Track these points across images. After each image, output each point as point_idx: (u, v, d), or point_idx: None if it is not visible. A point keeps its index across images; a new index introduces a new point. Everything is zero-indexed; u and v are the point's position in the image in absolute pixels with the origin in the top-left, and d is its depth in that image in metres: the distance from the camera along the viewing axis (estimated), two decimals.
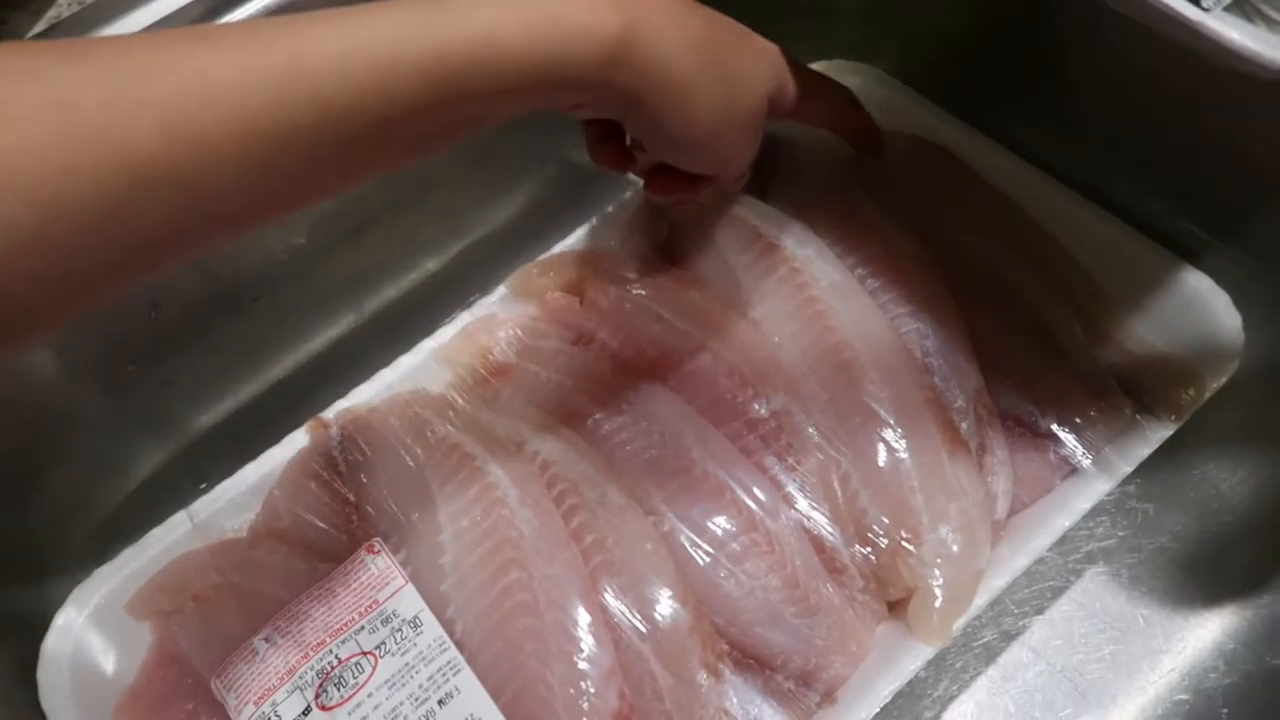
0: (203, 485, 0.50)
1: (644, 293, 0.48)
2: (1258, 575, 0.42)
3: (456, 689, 0.39)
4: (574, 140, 0.55)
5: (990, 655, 0.43)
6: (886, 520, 0.40)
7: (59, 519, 0.47)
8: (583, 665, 0.38)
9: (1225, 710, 0.40)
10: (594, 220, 0.52)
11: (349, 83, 0.25)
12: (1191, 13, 0.27)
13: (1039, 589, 0.44)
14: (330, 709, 0.39)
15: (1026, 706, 0.41)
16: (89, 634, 0.43)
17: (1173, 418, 0.42)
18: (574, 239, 0.51)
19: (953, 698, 0.42)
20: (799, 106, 0.40)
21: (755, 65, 0.36)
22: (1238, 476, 0.44)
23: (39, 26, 0.43)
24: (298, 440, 0.46)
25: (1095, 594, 0.43)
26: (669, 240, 0.51)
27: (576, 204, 0.56)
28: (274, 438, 0.47)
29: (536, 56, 0.28)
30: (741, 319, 0.46)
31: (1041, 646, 0.43)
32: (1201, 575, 0.43)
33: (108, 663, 0.43)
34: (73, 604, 0.43)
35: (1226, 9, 0.28)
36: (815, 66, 0.55)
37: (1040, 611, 0.43)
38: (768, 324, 0.46)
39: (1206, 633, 0.42)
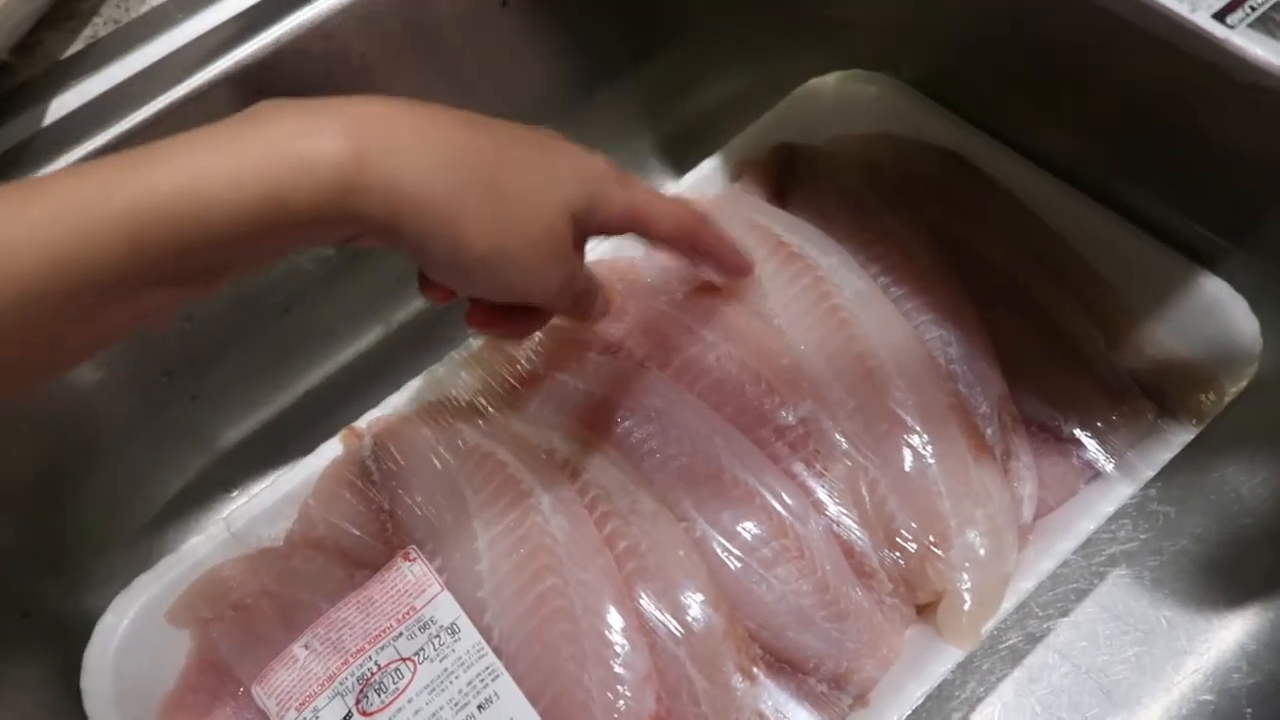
0: (234, 494, 0.51)
1: (670, 302, 0.49)
2: (1273, 580, 0.43)
3: (496, 694, 0.39)
4: (608, 148, 0.57)
5: (1016, 657, 0.43)
6: (914, 525, 0.41)
7: (98, 528, 0.48)
8: (619, 669, 0.39)
9: (1250, 710, 0.41)
10: None
11: (43, 254, 0.24)
12: (1217, 29, 0.28)
13: (1063, 591, 0.44)
14: (371, 714, 0.40)
15: (1053, 707, 0.42)
16: (130, 641, 0.43)
17: (1193, 422, 0.43)
18: (600, 249, 0.52)
19: (980, 700, 0.43)
20: (630, 225, 0.37)
21: (549, 181, 0.33)
22: (1258, 479, 0.45)
23: (76, 46, 0.44)
24: (331, 449, 0.47)
25: (1118, 596, 0.44)
26: None
27: None
28: (304, 448, 0.48)
29: (248, 199, 0.26)
30: (767, 327, 0.47)
31: (1066, 648, 0.43)
32: (1223, 577, 0.44)
33: (149, 669, 0.43)
34: (114, 612, 0.44)
35: (1250, 25, 0.28)
36: (833, 77, 0.56)
37: (1065, 614, 0.44)
38: (792, 332, 0.47)
39: (1229, 634, 0.43)
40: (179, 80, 0.42)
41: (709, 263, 0.44)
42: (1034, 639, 0.43)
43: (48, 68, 0.43)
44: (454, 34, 0.49)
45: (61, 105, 0.42)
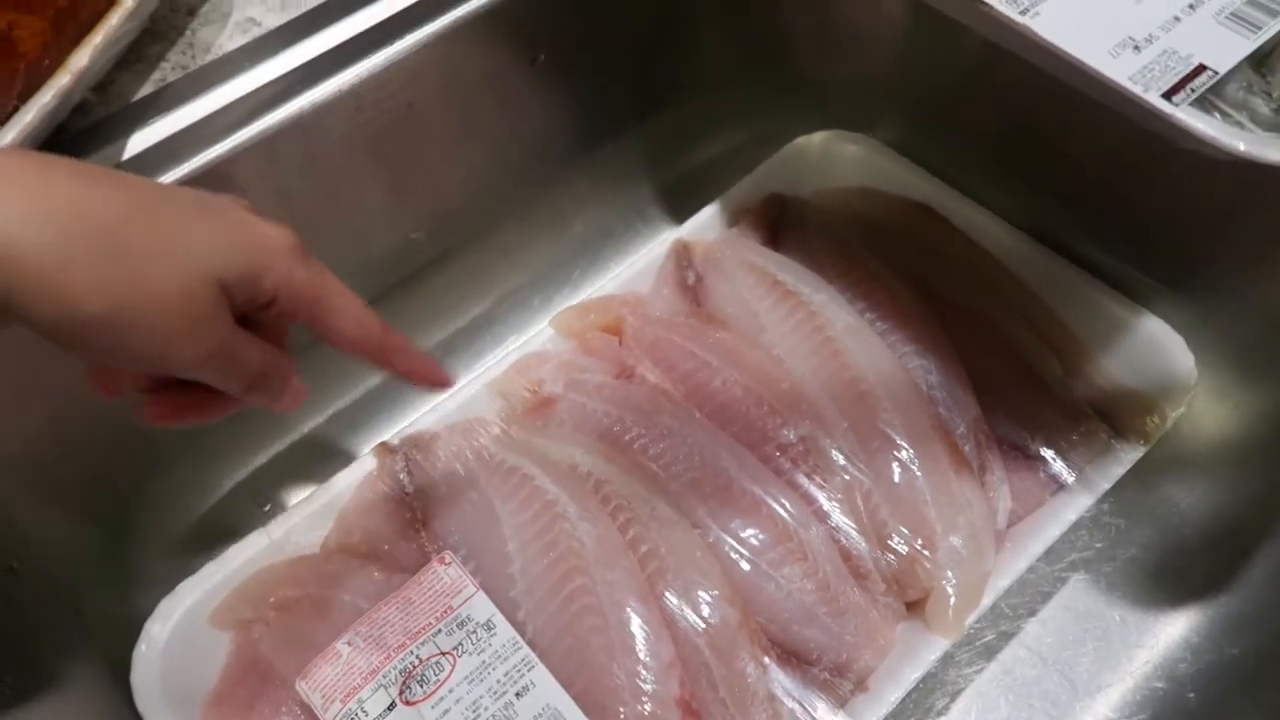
0: (267, 508, 0.54)
1: (679, 332, 0.54)
2: (1215, 579, 0.49)
3: (532, 683, 0.43)
4: (615, 195, 0.62)
5: (990, 652, 0.48)
6: (904, 531, 0.46)
7: (143, 536, 0.50)
8: (646, 658, 0.43)
9: (1193, 695, 0.46)
10: (625, 268, 0.58)
11: None
12: (1166, 107, 0.34)
13: (1030, 594, 0.50)
14: (414, 704, 0.43)
15: (1024, 696, 0.47)
16: (176, 641, 0.46)
17: (1141, 442, 0.49)
18: (607, 284, 0.57)
19: (960, 690, 0.47)
20: (307, 309, 0.34)
21: (196, 244, 0.30)
22: (1195, 495, 0.51)
23: (145, 89, 0.48)
24: (365, 464, 0.51)
25: (1078, 598, 0.50)
26: (695, 287, 0.57)
27: (607, 253, 0.62)
28: (332, 466, 0.51)
29: None
30: (766, 356, 0.52)
31: (1034, 644, 0.49)
32: (1168, 580, 0.49)
33: (195, 668, 0.46)
34: (160, 613, 0.46)
35: (1191, 104, 0.35)
36: (818, 136, 0.63)
37: (1033, 613, 0.49)
38: (790, 361, 0.52)
39: (1174, 629, 0.48)
40: (245, 124, 0.46)
41: (398, 372, 0.39)
42: (1006, 636, 0.49)
43: (121, 107, 0.47)
44: (484, 87, 0.54)
45: (138, 142, 0.46)
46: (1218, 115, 0.36)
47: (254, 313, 0.33)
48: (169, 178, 0.45)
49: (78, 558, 0.47)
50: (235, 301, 0.32)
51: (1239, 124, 0.35)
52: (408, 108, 0.50)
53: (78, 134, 0.45)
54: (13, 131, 0.38)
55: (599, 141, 0.61)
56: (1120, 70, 0.36)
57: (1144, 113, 0.35)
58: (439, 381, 0.41)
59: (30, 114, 0.39)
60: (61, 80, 0.40)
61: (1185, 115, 0.34)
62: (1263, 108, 0.36)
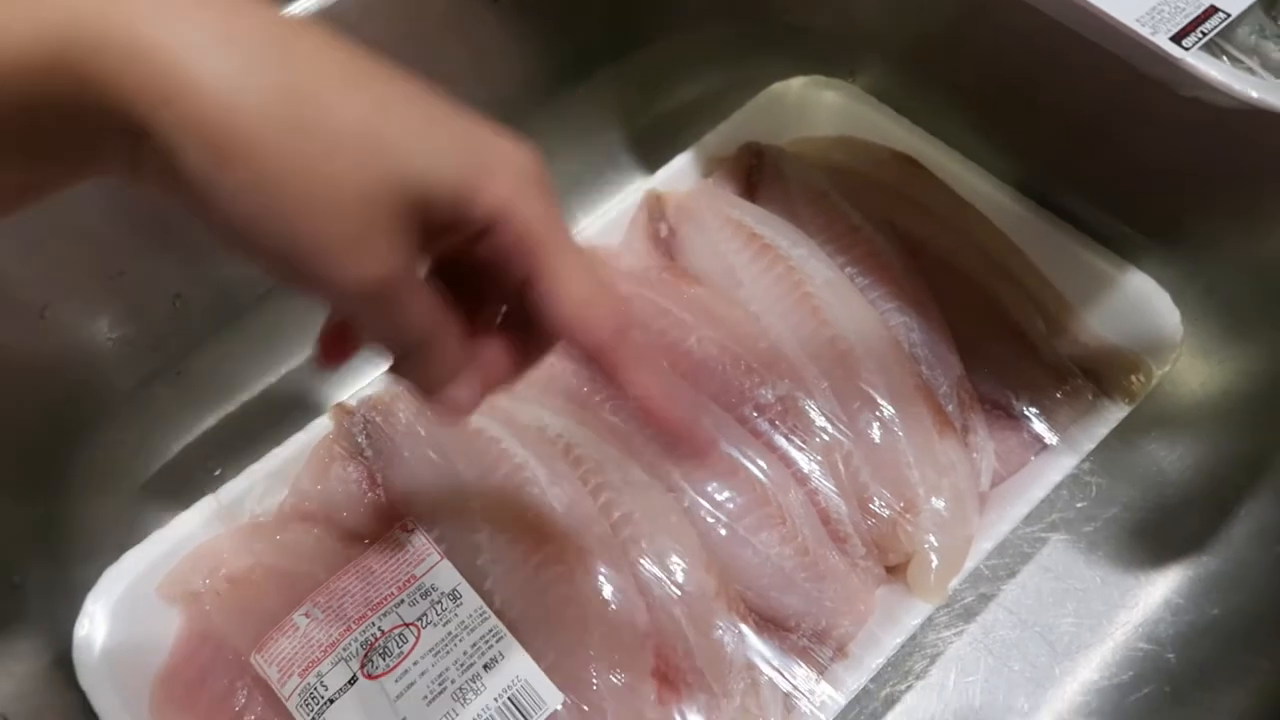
0: (217, 473, 0.51)
1: (651, 287, 0.51)
2: (1196, 539, 0.48)
3: (501, 654, 0.41)
4: (584, 142, 0.59)
5: (970, 615, 0.47)
6: (886, 493, 0.45)
7: (84, 503, 0.47)
8: (619, 629, 0.41)
9: (1173, 655, 0.46)
10: (595, 219, 0.55)
11: None
12: (1175, 51, 0.32)
13: (1010, 556, 0.49)
14: (376, 677, 0.41)
15: (1004, 658, 0.46)
16: (121, 614, 0.43)
17: (1126, 400, 0.48)
18: (579, 235, 0.54)
19: (939, 653, 0.46)
20: (524, 258, 0.25)
21: (396, 129, 0.23)
22: (1176, 454, 0.50)
23: None
24: (321, 426, 0.48)
25: (1059, 559, 0.49)
26: (668, 240, 0.55)
27: (575, 204, 0.59)
28: (285, 429, 0.48)
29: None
30: (744, 313, 0.50)
31: (1015, 606, 0.48)
32: (1149, 540, 0.49)
33: (141, 643, 0.43)
34: (104, 585, 0.44)
35: (1201, 48, 0.33)
36: (796, 82, 0.60)
37: (1013, 575, 0.48)
38: (767, 318, 0.50)
39: (1155, 590, 0.48)
40: None
41: (633, 395, 0.28)
42: (986, 598, 0.48)
43: None
44: (445, 25, 0.50)
45: None
46: (1226, 60, 0.34)
47: (455, 252, 0.26)
48: None
49: (11, 527, 0.44)
50: (433, 222, 0.24)
51: (1249, 70, 0.33)
52: (362, 45, 0.46)
53: None
54: None
55: (566, 85, 0.58)
56: (1127, 11, 0.34)
57: (1150, 57, 0.33)
58: (696, 448, 0.30)
59: None
60: None
61: (1195, 60, 0.32)
62: (1275, 53, 0.34)
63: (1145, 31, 0.32)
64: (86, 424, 0.47)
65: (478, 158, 0.24)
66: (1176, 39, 0.32)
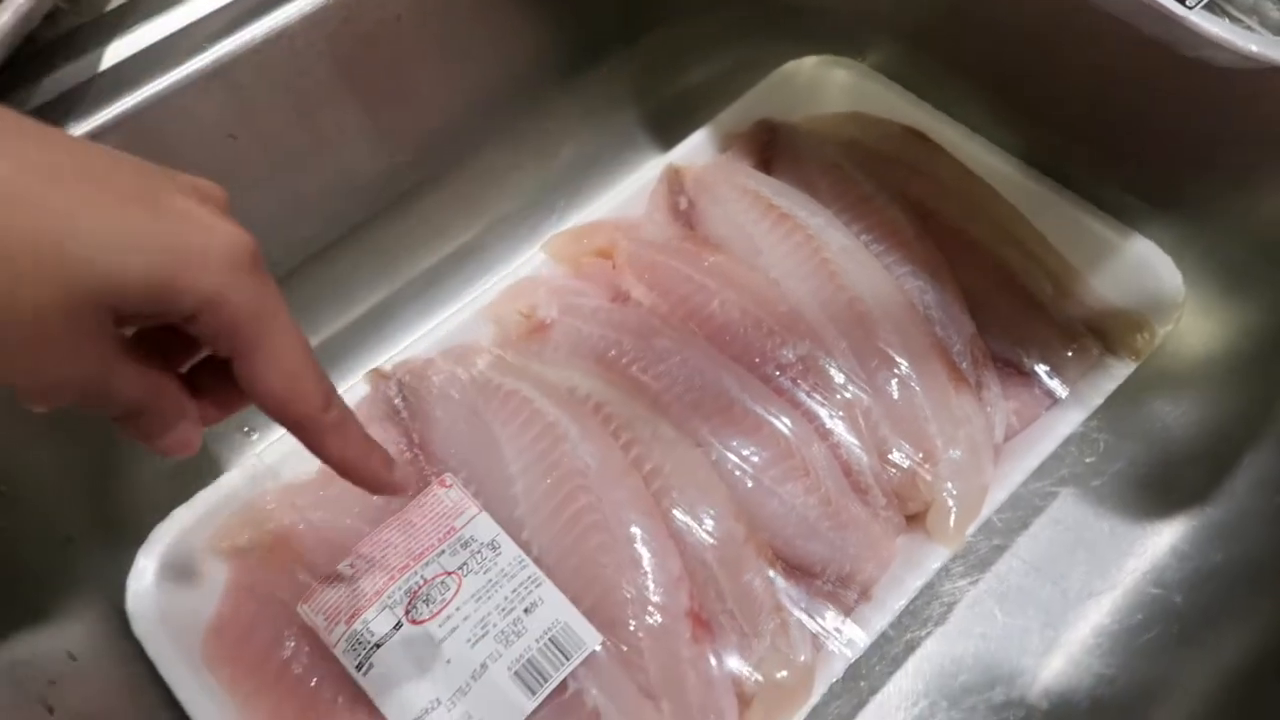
0: (253, 438, 0.53)
1: (674, 255, 0.53)
2: (1200, 491, 0.50)
3: (540, 599, 0.43)
4: (602, 122, 0.61)
5: (984, 564, 0.49)
6: (905, 445, 0.47)
7: (131, 464, 0.49)
8: (654, 572, 0.43)
9: (1180, 599, 0.48)
10: (616, 194, 0.57)
11: None
12: (1180, 9, 0.34)
13: (1023, 509, 0.51)
14: (421, 622, 0.43)
15: (1019, 605, 0.48)
16: (170, 569, 0.45)
17: (1132, 358, 0.50)
18: (599, 209, 0.56)
19: (957, 601, 0.48)
20: (234, 345, 0.26)
21: (90, 234, 0.23)
22: (1180, 410, 0.53)
23: (114, 1, 0.46)
24: (358, 390, 0.50)
25: (1069, 511, 0.51)
26: (687, 212, 0.57)
27: (594, 180, 0.61)
28: None
29: None
30: (764, 278, 0.52)
31: (1028, 556, 0.50)
32: (1155, 492, 0.51)
33: (190, 595, 0.45)
34: (154, 541, 0.45)
35: (1204, 7, 0.35)
36: (807, 61, 0.62)
37: (1025, 527, 0.50)
38: (787, 283, 0.52)
39: (1162, 538, 0.50)
40: (229, 34, 0.45)
41: (331, 460, 0.32)
42: (999, 549, 0.50)
43: (94, 17, 0.45)
44: (469, 7, 0.52)
45: (113, 53, 0.44)
46: (1227, 20, 0.36)
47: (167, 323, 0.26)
48: (148, 91, 0.43)
49: (66, 484, 0.46)
50: (130, 313, 0.24)
51: (1249, 28, 0.35)
52: (396, 20, 0.48)
53: (49, 44, 0.43)
54: None
55: (587, 65, 0.60)
56: None
57: (1157, 18, 0.35)
58: (385, 487, 0.33)
59: (6, 14, 0.37)
60: None
61: (1198, 19, 0.34)
62: (1273, 11, 0.36)
63: None
64: None
65: (178, 252, 0.24)
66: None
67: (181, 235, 0.25)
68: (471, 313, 0.53)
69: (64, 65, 0.43)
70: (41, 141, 0.24)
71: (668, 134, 0.62)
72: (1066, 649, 0.47)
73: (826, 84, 0.62)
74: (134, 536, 0.45)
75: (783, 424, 0.47)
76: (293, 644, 0.44)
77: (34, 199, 0.22)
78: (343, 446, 0.31)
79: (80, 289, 0.23)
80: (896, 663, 0.47)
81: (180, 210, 0.25)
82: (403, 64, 0.51)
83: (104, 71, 0.43)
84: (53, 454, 0.45)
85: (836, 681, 0.42)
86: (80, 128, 0.42)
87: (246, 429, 0.53)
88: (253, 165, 0.49)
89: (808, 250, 0.52)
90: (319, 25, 0.46)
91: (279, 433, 0.48)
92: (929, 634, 0.48)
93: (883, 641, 0.47)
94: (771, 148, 0.59)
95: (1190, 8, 0.34)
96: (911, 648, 0.48)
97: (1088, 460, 0.52)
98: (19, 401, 0.25)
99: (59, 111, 0.42)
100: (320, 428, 0.30)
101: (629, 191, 0.57)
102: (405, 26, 0.49)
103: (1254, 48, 0.34)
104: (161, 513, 0.46)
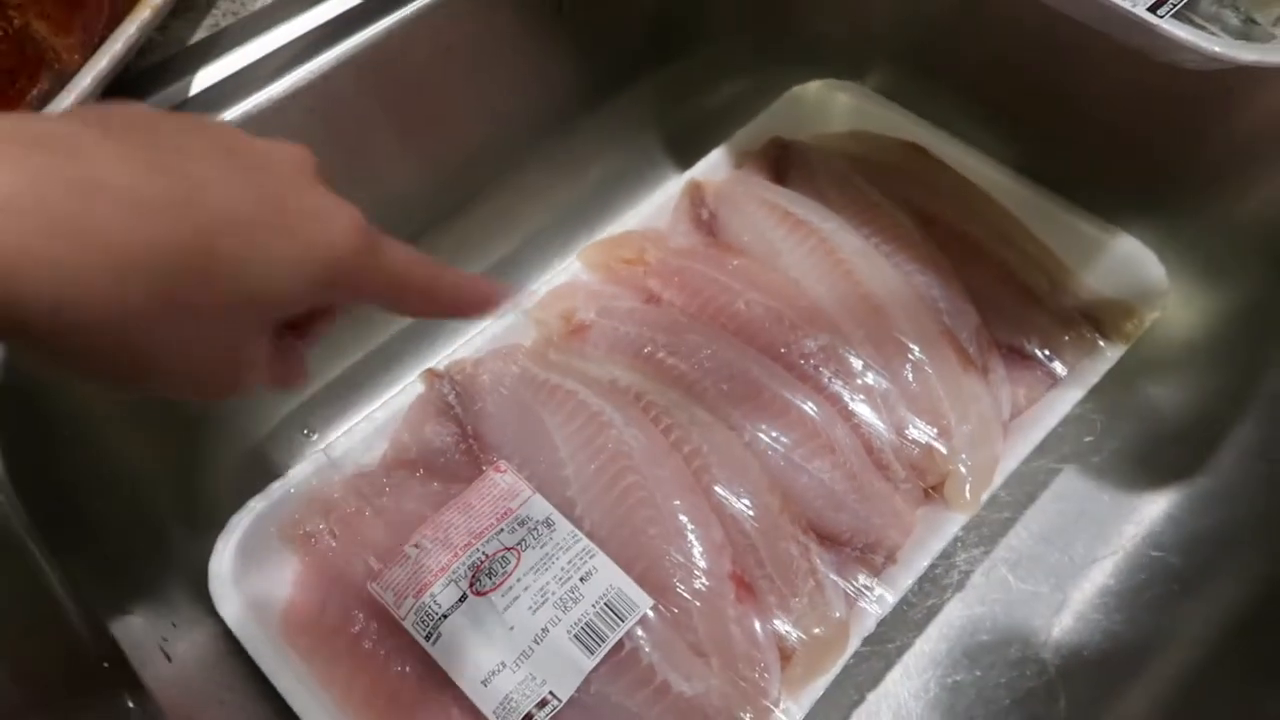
0: (313, 438, 0.57)
1: (700, 260, 0.58)
2: (1189, 464, 0.55)
3: (594, 568, 0.47)
4: (626, 143, 0.66)
5: (996, 536, 0.54)
6: (921, 423, 0.51)
7: (206, 459, 0.53)
8: (699, 540, 0.47)
9: (1177, 560, 0.52)
10: (641, 208, 0.62)
11: None
12: (1152, 18, 0.40)
13: (1028, 485, 0.55)
14: (485, 594, 0.47)
15: (1029, 570, 0.52)
16: (247, 554, 0.48)
17: (1123, 341, 0.55)
18: (627, 222, 0.61)
19: (972, 569, 0.52)
20: (383, 297, 0.30)
21: (251, 281, 0.25)
22: (1168, 391, 0.57)
23: (200, 34, 0.50)
24: (414, 389, 0.54)
25: (1070, 486, 0.55)
26: (709, 222, 0.61)
27: (620, 197, 0.66)
28: (376, 397, 0.54)
29: None
30: (784, 278, 0.57)
31: (1034, 527, 0.54)
32: (1149, 466, 0.55)
33: (266, 577, 0.48)
34: (231, 529, 0.49)
35: (1174, 15, 0.40)
36: (813, 85, 0.68)
37: (1032, 502, 0.54)
38: (805, 283, 0.57)
39: (1157, 506, 0.54)
40: (300, 63, 0.49)
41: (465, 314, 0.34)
42: (1010, 522, 0.54)
43: (178, 50, 0.49)
44: (515, 32, 0.57)
45: (199, 81, 0.48)
46: (1192, 27, 0.41)
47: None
48: (227, 116, 0.48)
49: (156, 475, 0.50)
50: (292, 314, 0.27)
51: (1213, 34, 0.41)
52: (447, 51, 0.53)
53: (141, 74, 0.48)
54: (105, 59, 0.40)
55: (614, 89, 0.65)
56: None
57: (1131, 26, 0.41)
58: (496, 298, 0.34)
59: (118, 44, 0.41)
60: (142, 14, 0.42)
61: (1169, 25, 0.39)
62: (1232, 19, 0.41)
63: (1126, 4, 0.40)
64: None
65: (321, 260, 0.26)
66: (1153, 9, 0.39)
67: (319, 240, 0.27)
68: (515, 316, 0.57)
69: (155, 92, 0.47)
70: (188, 193, 0.25)
71: (687, 153, 0.67)
72: (1075, 608, 0.51)
73: (831, 105, 0.67)
74: (215, 524, 0.49)
75: (808, 407, 0.51)
76: (363, 619, 0.48)
77: (210, 260, 0.24)
78: (480, 305, 0.34)
79: (258, 319, 0.26)
80: (920, 626, 0.51)
81: (308, 212, 0.27)
82: (449, 91, 0.56)
83: (192, 97, 0.48)
84: (143, 449, 0.49)
85: (868, 642, 0.46)
86: None
87: (306, 431, 0.57)
88: None
89: (823, 252, 0.57)
90: (376, 58, 0.51)
91: (340, 430, 0.52)
92: (949, 599, 0.52)
93: (907, 607, 0.51)
94: (784, 163, 0.64)
95: (1161, 17, 0.40)
96: (934, 612, 0.51)
97: (1086, 439, 0.56)
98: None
99: None
100: (464, 309, 0.33)
101: (654, 206, 0.62)
102: (455, 56, 0.54)
103: (1218, 49, 0.39)
104: (238, 503, 0.49)
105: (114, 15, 0.41)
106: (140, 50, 0.48)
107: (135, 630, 0.43)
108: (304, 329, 0.33)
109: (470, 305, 0.33)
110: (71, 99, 0.37)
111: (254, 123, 0.48)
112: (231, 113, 0.48)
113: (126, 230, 0.23)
